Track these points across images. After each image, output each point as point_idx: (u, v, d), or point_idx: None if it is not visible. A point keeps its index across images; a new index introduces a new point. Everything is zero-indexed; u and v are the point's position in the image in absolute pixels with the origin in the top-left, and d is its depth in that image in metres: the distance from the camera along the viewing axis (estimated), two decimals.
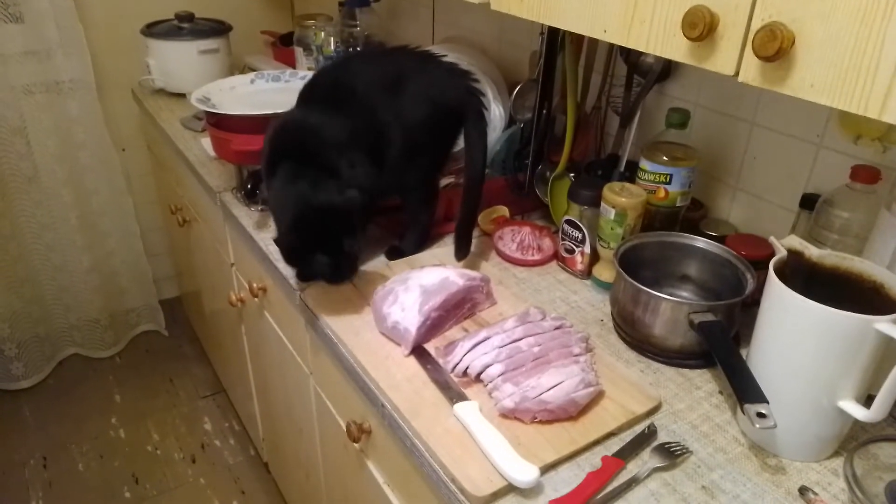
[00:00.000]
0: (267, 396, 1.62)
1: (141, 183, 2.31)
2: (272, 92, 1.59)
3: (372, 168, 1.04)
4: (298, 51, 1.85)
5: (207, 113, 1.40)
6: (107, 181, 2.15)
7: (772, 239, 0.79)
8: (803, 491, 0.73)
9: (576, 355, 0.86)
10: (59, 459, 1.97)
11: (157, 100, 1.93)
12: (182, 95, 1.89)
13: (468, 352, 0.87)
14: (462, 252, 1.09)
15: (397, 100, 1.05)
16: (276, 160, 1.04)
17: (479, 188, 1.08)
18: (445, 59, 1.13)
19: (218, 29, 1.92)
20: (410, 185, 1.12)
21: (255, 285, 1.34)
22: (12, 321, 2.12)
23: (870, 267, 0.75)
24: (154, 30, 1.88)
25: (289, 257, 1.01)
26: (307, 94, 1.10)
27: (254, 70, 1.88)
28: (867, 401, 0.72)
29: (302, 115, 1.08)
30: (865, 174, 0.87)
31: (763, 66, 0.61)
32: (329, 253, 0.98)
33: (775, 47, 0.58)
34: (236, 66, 2.02)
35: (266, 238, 1.20)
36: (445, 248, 1.17)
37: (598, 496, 0.72)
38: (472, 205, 1.09)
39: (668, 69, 1.15)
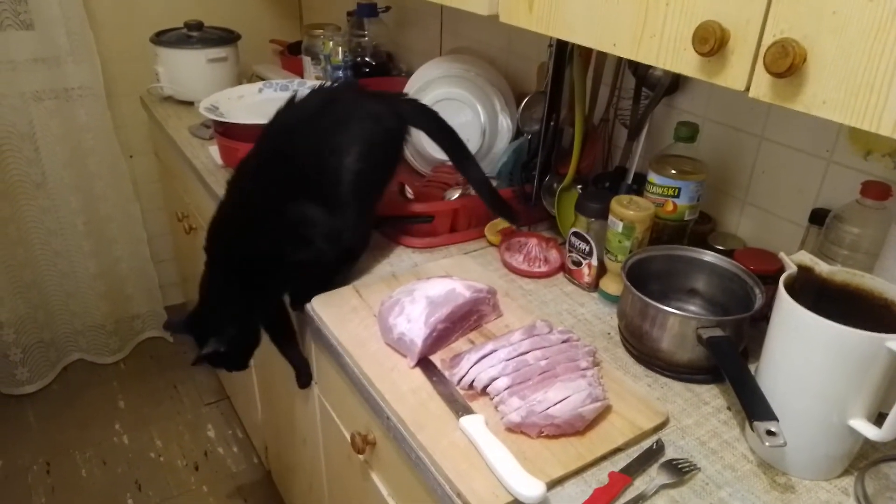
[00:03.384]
0: (271, 405, 1.61)
1: (148, 190, 2.32)
2: (280, 101, 1.59)
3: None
4: (307, 60, 1.86)
5: (215, 121, 1.41)
6: (114, 188, 2.16)
7: (782, 255, 0.78)
8: None
9: (583, 369, 0.85)
10: (62, 465, 1.96)
11: (165, 107, 1.94)
12: (190, 103, 1.90)
13: (474, 364, 0.86)
14: (513, 217, 1.15)
15: (333, 160, 1.02)
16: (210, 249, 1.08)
17: (473, 162, 1.12)
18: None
19: (227, 38, 1.93)
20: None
21: None
22: (18, 326, 2.13)
23: (881, 284, 0.74)
24: (163, 38, 1.89)
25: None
26: (240, 172, 1.09)
27: (262, 79, 1.89)
28: (878, 419, 0.71)
29: (230, 206, 1.08)
30: (876, 190, 0.86)
31: (774, 81, 0.61)
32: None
33: (787, 63, 0.58)
34: (244, 75, 2.03)
35: None
36: (452, 259, 1.16)
37: None
38: (481, 178, 1.12)
39: (676, 82, 1.15)
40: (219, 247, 1.07)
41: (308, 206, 1.01)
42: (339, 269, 1.09)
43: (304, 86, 1.64)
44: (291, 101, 1.09)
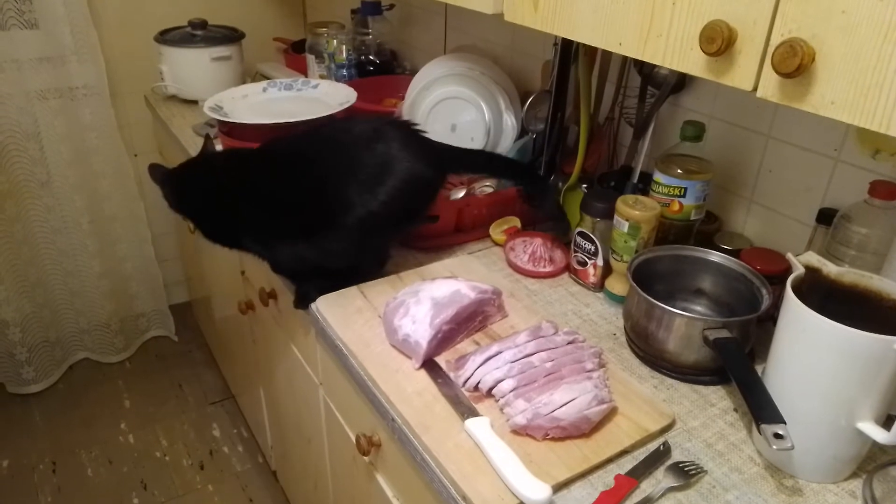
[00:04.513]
0: (276, 404, 1.61)
1: (152, 189, 2.30)
2: (284, 101, 1.59)
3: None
4: (310, 58, 1.85)
5: (220, 121, 1.41)
6: (119, 187, 2.17)
7: (789, 256, 0.78)
8: None
9: (589, 371, 0.85)
10: (67, 464, 1.97)
11: (169, 106, 1.94)
12: (194, 102, 1.90)
13: (480, 366, 0.86)
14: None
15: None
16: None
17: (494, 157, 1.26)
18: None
19: (231, 36, 1.93)
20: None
21: (265, 293, 1.34)
22: (23, 325, 2.13)
23: (889, 285, 0.73)
24: (167, 37, 1.89)
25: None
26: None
27: (266, 77, 1.88)
28: (887, 422, 0.70)
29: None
30: (884, 190, 0.85)
31: (782, 82, 0.60)
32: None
33: (795, 63, 0.57)
34: (248, 73, 2.03)
35: None
36: (456, 259, 1.16)
37: None
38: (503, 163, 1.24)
39: (682, 81, 1.14)
40: (231, 173, 1.17)
41: (296, 231, 1.04)
42: (346, 279, 1.09)
43: (308, 85, 1.64)
44: (349, 119, 1.12)
